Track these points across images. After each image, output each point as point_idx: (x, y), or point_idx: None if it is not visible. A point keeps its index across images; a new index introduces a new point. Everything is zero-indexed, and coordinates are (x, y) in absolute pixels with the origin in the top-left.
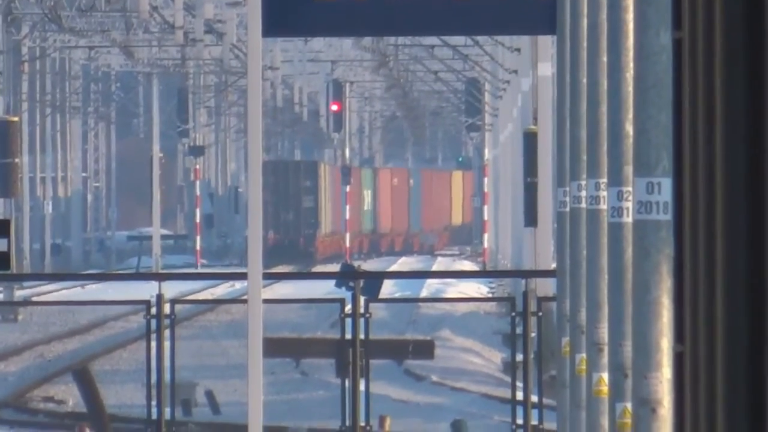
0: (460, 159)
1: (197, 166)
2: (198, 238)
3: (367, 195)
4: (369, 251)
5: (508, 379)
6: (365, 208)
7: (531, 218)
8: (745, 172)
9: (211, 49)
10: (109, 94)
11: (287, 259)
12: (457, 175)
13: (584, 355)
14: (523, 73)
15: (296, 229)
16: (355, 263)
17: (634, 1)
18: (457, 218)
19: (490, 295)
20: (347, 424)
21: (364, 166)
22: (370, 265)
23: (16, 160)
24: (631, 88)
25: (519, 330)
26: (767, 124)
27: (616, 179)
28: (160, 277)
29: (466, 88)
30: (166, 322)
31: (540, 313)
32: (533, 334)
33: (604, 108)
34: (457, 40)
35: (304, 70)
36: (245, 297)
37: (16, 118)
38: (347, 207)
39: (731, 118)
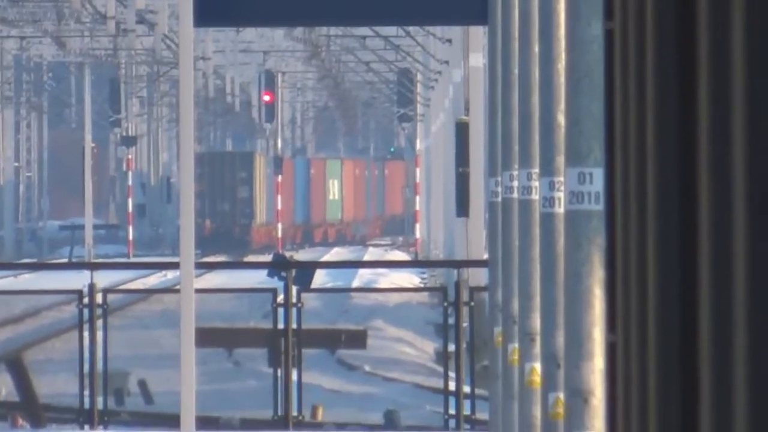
0: (392, 150)
1: (129, 156)
2: (130, 228)
3: (333, 185)
4: (302, 241)
5: (441, 369)
6: (331, 197)
7: (463, 208)
8: (676, 163)
9: (143, 39)
10: (41, 84)
11: (223, 248)
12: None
13: (516, 345)
14: (455, 64)
15: (232, 219)
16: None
17: None
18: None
19: (422, 285)
20: (280, 413)
21: (330, 158)
22: (302, 255)
23: None
24: (562, 79)
25: (451, 320)
26: (699, 115)
27: (547, 169)
28: (93, 267)
29: (398, 79)
30: (99, 311)
31: (472, 303)
32: (465, 324)
33: (535, 98)
34: (389, 30)
35: (236, 61)
36: (178, 287)
37: None
38: (279, 197)
39: (663, 108)
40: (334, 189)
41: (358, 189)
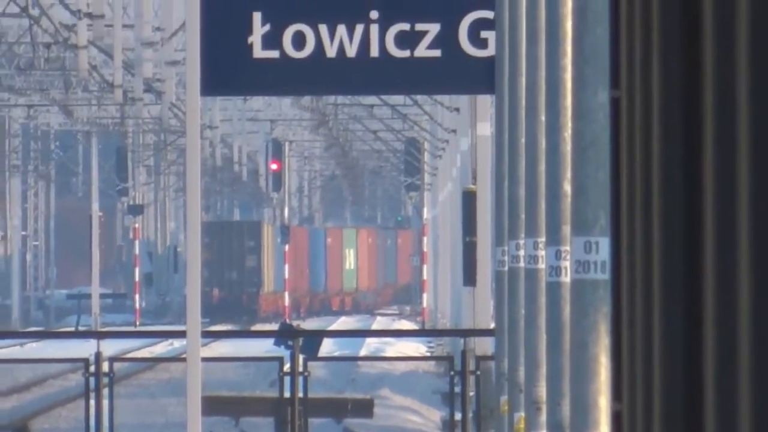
0: (399, 218)
1: (136, 225)
2: (137, 297)
3: (350, 254)
4: (320, 310)
5: None
6: (348, 267)
7: (470, 277)
8: (682, 232)
9: (150, 108)
10: (49, 153)
11: (230, 317)
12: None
13: (523, 413)
14: (462, 133)
15: (240, 288)
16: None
17: (572, 61)
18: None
19: (429, 354)
20: None
21: (346, 227)
22: (309, 325)
23: None
24: (569, 147)
25: (458, 389)
26: (704, 184)
27: (554, 238)
28: (99, 335)
29: (406, 148)
30: (105, 380)
31: (478, 372)
32: (472, 393)
33: (542, 167)
34: (396, 99)
35: (244, 129)
36: (184, 355)
37: None
38: (286, 266)
39: (669, 177)
40: (350, 258)
41: (372, 258)
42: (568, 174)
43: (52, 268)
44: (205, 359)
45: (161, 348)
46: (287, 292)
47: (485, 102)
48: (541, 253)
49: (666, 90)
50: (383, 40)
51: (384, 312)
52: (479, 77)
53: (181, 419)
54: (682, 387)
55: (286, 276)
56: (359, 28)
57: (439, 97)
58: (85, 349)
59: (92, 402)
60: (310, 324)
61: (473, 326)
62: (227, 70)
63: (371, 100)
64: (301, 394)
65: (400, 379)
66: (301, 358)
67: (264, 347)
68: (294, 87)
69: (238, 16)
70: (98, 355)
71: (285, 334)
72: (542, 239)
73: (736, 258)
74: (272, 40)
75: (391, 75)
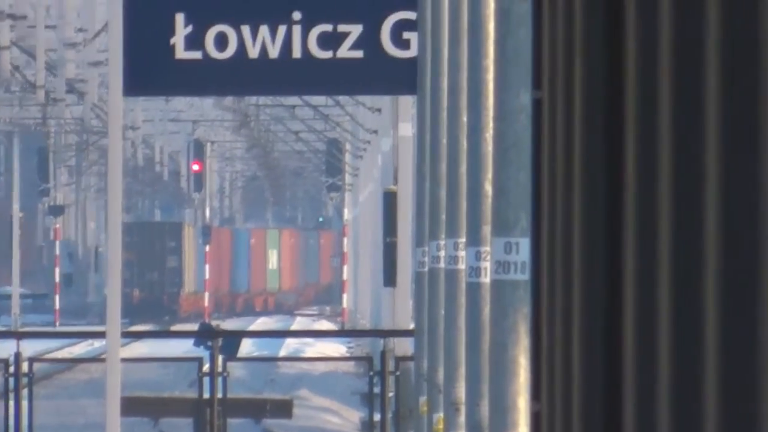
0: (321, 219)
1: (57, 226)
2: (57, 297)
3: (273, 255)
4: (241, 311)
5: None
6: (271, 267)
7: (390, 278)
8: (603, 233)
9: (72, 108)
10: None
11: (151, 317)
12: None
13: (442, 414)
14: (384, 133)
15: (161, 288)
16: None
17: (494, 62)
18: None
19: (348, 355)
20: None
21: (269, 228)
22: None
23: None
24: (490, 148)
25: (377, 389)
26: (626, 186)
27: (474, 239)
28: (19, 336)
29: (327, 148)
30: (24, 380)
31: (398, 373)
32: (391, 394)
33: (463, 168)
34: (318, 100)
35: (165, 130)
36: (104, 356)
37: None
38: (206, 266)
39: (589, 179)
40: (273, 258)
41: (294, 258)
42: (489, 175)
43: None
44: (124, 360)
45: (81, 348)
46: (208, 292)
47: (407, 102)
48: (462, 253)
49: (588, 92)
50: (306, 41)
51: (304, 312)
52: (401, 78)
53: (101, 420)
54: (601, 388)
55: (207, 276)
56: (282, 29)
57: (360, 98)
58: (4, 349)
59: (11, 403)
60: (230, 324)
61: (393, 327)
62: (150, 70)
63: (293, 100)
64: (220, 395)
65: (319, 380)
66: (220, 358)
67: (184, 348)
68: (216, 88)
69: (160, 17)
70: (17, 356)
71: (205, 335)
72: (462, 240)
73: (657, 259)
74: (195, 41)
75: (313, 76)
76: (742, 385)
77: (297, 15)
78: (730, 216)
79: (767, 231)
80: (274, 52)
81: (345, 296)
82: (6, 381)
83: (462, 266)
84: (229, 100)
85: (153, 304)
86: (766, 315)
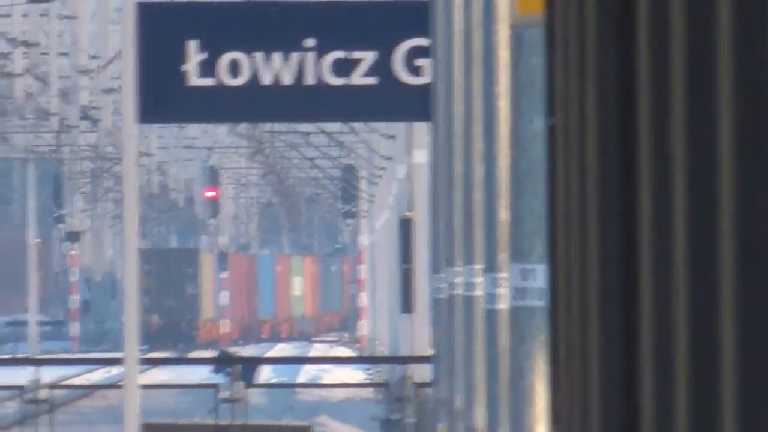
0: (336, 246)
1: (74, 252)
2: (75, 324)
3: (297, 281)
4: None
5: None
6: (295, 293)
7: (407, 305)
8: (618, 259)
9: (86, 135)
10: None
11: (170, 344)
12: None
13: None
14: (399, 160)
15: (179, 315)
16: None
17: (507, 90)
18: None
19: (367, 381)
20: None
21: (294, 254)
22: (247, 351)
23: None
24: (505, 175)
25: (396, 416)
26: (640, 212)
27: (491, 266)
28: (37, 363)
29: (342, 175)
30: (43, 407)
31: (416, 399)
32: (410, 420)
33: (478, 195)
34: (333, 126)
35: (180, 157)
36: (122, 383)
37: None
38: (222, 293)
39: (604, 205)
40: (297, 285)
41: (315, 285)
42: (504, 201)
43: None
44: (142, 386)
45: (99, 375)
46: (226, 319)
47: (421, 129)
48: (479, 280)
49: (602, 118)
50: (319, 67)
51: (322, 339)
52: (415, 105)
53: None
54: (619, 414)
55: (225, 303)
56: (295, 56)
57: (375, 125)
58: (22, 376)
59: (30, 429)
60: (248, 351)
61: (411, 353)
62: (163, 97)
63: (307, 127)
64: (239, 421)
65: (338, 407)
66: (239, 385)
67: (202, 374)
68: (229, 114)
69: (173, 44)
70: (36, 383)
71: (223, 362)
72: (479, 266)
73: (673, 285)
74: (208, 68)
75: (327, 103)
76: (764, 416)
77: (310, 42)
78: (746, 245)
79: None
80: (287, 79)
81: (363, 323)
82: (23, 408)
83: (479, 293)
84: (243, 127)
85: (171, 331)
86: None
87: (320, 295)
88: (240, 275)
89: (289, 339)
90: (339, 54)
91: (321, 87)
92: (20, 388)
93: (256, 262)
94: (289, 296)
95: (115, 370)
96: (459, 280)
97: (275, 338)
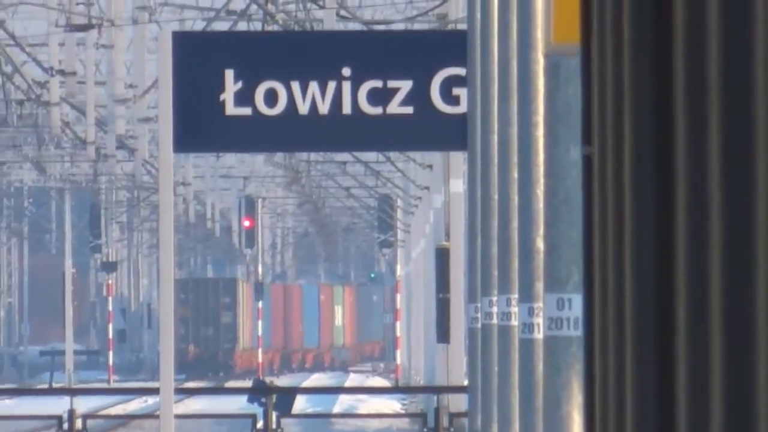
0: (373, 275)
1: (110, 282)
2: (111, 354)
3: (338, 311)
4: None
5: None
6: (337, 323)
7: (443, 334)
8: (654, 291)
9: (123, 164)
10: (22, 210)
11: (207, 373)
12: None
13: None
14: (435, 190)
15: (216, 344)
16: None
17: (544, 119)
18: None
19: (403, 411)
20: None
21: (335, 284)
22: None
23: None
24: (541, 204)
25: None
26: (676, 242)
27: (526, 295)
28: (73, 392)
29: (379, 204)
30: None
31: (452, 429)
32: None
33: (515, 224)
34: (369, 156)
35: (216, 186)
36: (158, 412)
37: None
38: (259, 323)
39: (640, 234)
40: (338, 314)
41: (353, 314)
42: (541, 231)
43: (26, 324)
44: (178, 416)
45: (135, 405)
46: (261, 348)
47: (458, 159)
48: (514, 309)
49: (638, 147)
50: (356, 97)
51: (357, 369)
52: (451, 134)
53: None
54: None
55: (261, 332)
56: (331, 85)
57: (411, 154)
58: (58, 406)
59: None
60: (283, 381)
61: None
62: (200, 127)
63: (344, 156)
64: None
65: None
66: (274, 415)
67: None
68: (266, 144)
69: (210, 73)
70: (72, 413)
71: (258, 391)
72: (515, 296)
73: (710, 314)
74: (244, 98)
75: (363, 132)
76: None
77: (347, 71)
78: None
79: None
80: (324, 108)
81: (398, 353)
82: None
83: (515, 322)
84: (279, 156)
85: (208, 360)
86: None
87: (358, 324)
88: (280, 305)
89: (330, 369)
90: (376, 83)
91: (357, 116)
92: (57, 417)
93: (302, 292)
94: (332, 326)
95: (151, 400)
96: (494, 309)
97: (318, 367)
